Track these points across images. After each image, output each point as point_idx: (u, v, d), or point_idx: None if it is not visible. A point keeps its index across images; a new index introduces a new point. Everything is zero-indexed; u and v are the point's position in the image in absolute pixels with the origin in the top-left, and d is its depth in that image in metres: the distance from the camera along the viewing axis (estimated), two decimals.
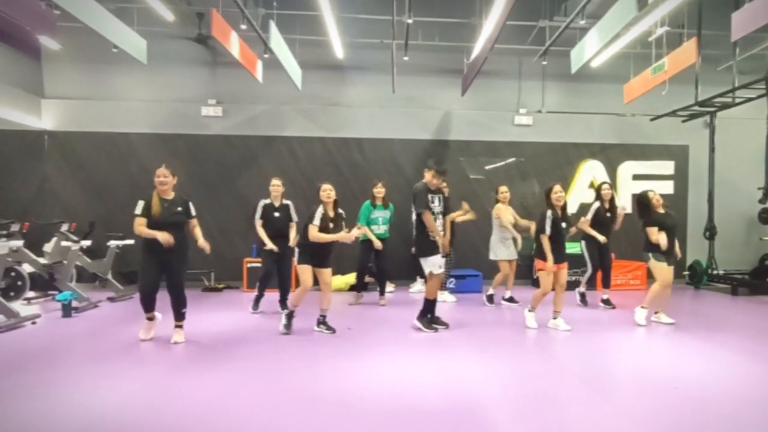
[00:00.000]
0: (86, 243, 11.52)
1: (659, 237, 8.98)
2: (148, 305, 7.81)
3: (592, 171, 14.81)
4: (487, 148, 14.72)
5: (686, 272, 14.56)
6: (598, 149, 14.93)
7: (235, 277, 13.32)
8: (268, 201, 10.07)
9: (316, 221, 8.25)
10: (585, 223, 10.62)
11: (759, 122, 13.39)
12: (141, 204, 7.56)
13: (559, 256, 8.80)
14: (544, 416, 4.96)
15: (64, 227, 11.47)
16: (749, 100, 12.73)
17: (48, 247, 10.84)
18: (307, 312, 9.01)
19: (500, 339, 8.26)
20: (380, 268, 11.44)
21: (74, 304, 9.93)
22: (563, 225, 8.84)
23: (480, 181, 14.43)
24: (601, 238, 10.38)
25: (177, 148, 13.89)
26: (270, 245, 9.76)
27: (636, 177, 14.63)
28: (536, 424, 4.78)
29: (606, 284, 11.02)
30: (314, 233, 8.21)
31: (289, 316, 8.50)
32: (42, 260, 10.67)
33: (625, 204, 11.26)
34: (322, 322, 8.59)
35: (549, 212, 8.77)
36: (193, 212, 7.96)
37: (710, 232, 14.24)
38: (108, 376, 6.14)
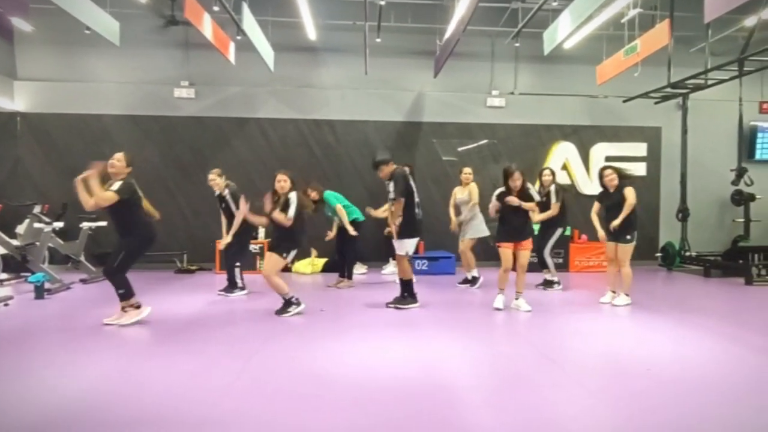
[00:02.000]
0: (59, 225, 11.49)
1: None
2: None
3: (564, 153, 14.86)
4: (459, 130, 14.77)
5: (659, 254, 14.68)
6: (571, 131, 14.97)
7: (208, 258, 13.37)
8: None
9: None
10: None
11: (731, 104, 13.55)
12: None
13: (511, 235, 8.89)
14: (518, 397, 4.97)
15: (37, 209, 11.51)
16: (721, 81, 12.73)
17: (21, 229, 10.85)
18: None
19: (471, 320, 8.34)
20: (350, 249, 11.44)
21: (47, 285, 9.95)
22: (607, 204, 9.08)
23: (453, 163, 14.41)
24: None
25: (150, 129, 13.94)
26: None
27: (609, 158, 14.51)
28: (510, 405, 4.80)
29: (542, 265, 11.19)
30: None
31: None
32: (15, 242, 10.67)
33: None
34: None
35: (498, 189, 9.00)
36: (113, 187, 7.54)
37: (683, 213, 14.34)
38: (79, 357, 6.16)
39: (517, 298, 8.99)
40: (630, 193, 9.20)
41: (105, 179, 7.64)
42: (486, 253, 12.51)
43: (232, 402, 4.82)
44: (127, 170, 7.73)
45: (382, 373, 5.67)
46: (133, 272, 7.82)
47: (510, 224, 8.87)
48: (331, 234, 11.26)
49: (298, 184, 8.68)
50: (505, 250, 8.91)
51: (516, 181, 8.77)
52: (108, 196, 7.39)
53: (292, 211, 8.29)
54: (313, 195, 10.72)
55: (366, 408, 4.71)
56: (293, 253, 8.54)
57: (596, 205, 9.64)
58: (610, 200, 9.37)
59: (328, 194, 11.16)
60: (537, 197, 9.03)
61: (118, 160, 7.65)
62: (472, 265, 11.28)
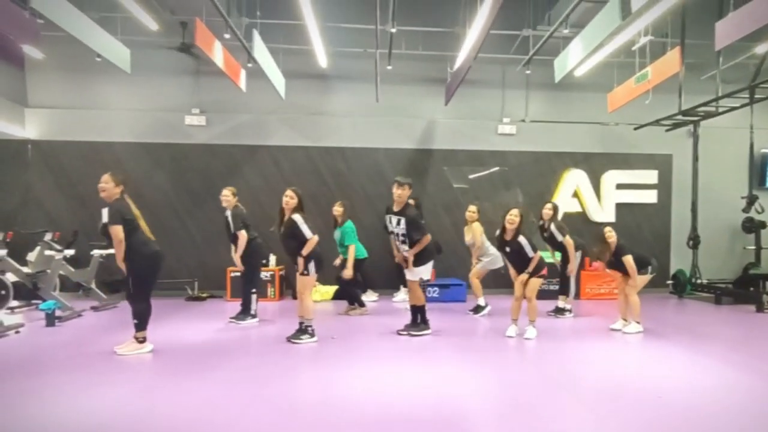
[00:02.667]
0: (70, 252, 11.48)
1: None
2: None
3: (575, 180, 14.77)
4: (470, 157, 14.73)
5: (670, 281, 14.59)
6: (582, 158, 14.92)
7: (219, 286, 13.30)
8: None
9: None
10: None
11: (743, 131, 13.50)
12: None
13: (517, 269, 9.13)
14: (528, 425, 5.00)
15: (48, 236, 11.46)
16: (733, 109, 12.76)
17: (31, 257, 10.81)
18: (289, 319, 9.01)
19: (482, 347, 8.36)
20: (343, 281, 11.41)
21: (58, 313, 9.90)
22: (507, 249, 9.15)
23: (464, 190, 14.42)
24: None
25: (161, 157, 13.92)
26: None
27: (620, 186, 14.65)
28: None
29: (561, 291, 11.25)
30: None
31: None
32: (26, 269, 10.65)
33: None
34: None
35: (497, 232, 9.36)
36: (103, 219, 7.35)
37: (694, 241, 14.27)
38: (91, 385, 6.14)
39: (528, 327, 9.01)
40: (628, 261, 9.41)
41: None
42: (497, 281, 12.42)
43: (246, 429, 4.82)
44: (118, 190, 7.52)
45: (393, 400, 5.70)
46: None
47: (513, 263, 9.13)
48: (339, 261, 11.24)
49: (306, 203, 8.66)
50: (517, 281, 9.07)
51: (513, 216, 8.95)
52: (114, 231, 7.28)
53: (308, 231, 8.35)
54: (340, 210, 11.11)
55: None
56: (312, 265, 8.46)
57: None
58: (613, 263, 9.63)
59: (350, 226, 11.19)
60: (531, 253, 9.01)
61: (106, 182, 7.47)
62: (478, 293, 11.25)
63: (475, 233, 11.10)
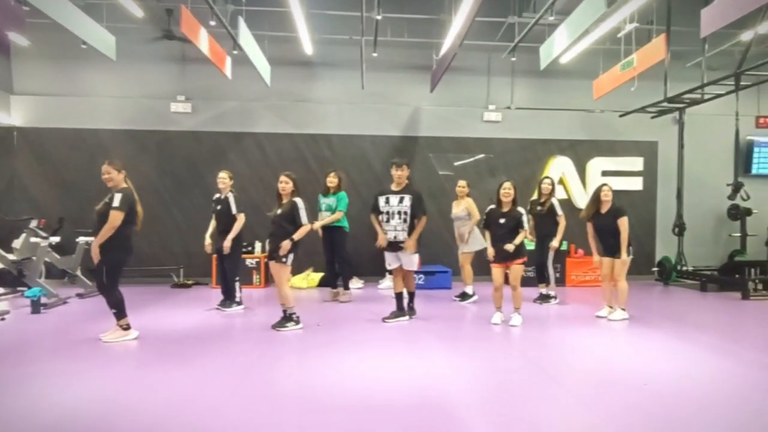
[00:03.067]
0: (55, 239, 11.47)
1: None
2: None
3: (561, 167, 14.82)
4: (456, 144, 14.78)
5: (655, 268, 14.67)
6: (567, 145, 14.97)
7: (205, 273, 13.29)
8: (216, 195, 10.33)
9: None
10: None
11: (728, 118, 13.51)
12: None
13: (501, 256, 8.95)
14: (512, 411, 5.05)
15: (33, 223, 11.50)
16: (718, 96, 12.83)
17: (17, 243, 10.87)
18: (275, 306, 9.05)
19: (468, 334, 8.48)
20: (340, 260, 11.46)
21: (43, 300, 9.94)
22: (501, 221, 8.95)
23: (449, 177, 14.39)
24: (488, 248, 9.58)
25: (146, 144, 13.94)
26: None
27: (605, 173, 14.63)
28: (504, 419, 4.87)
29: (540, 279, 11.21)
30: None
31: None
32: (11, 256, 10.70)
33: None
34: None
35: (489, 207, 9.25)
36: (114, 203, 7.36)
37: (679, 228, 14.27)
38: (76, 372, 6.19)
39: (513, 314, 9.04)
40: (624, 223, 9.30)
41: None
42: (482, 268, 12.44)
43: (229, 416, 4.89)
44: (122, 175, 7.64)
45: (379, 387, 5.73)
46: (129, 286, 7.87)
47: (495, 245, 8.98)
48: (316, 225, 10.95)
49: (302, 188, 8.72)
50: (496, 269, 9.07)
51: (507, 189, 8.98)
52: (114, 216, 7.32)
53: (304, 217, 8.42)
54: (335, 181, 11.17)
55: (362, 423, 4.77)
56: (291, 257, 8.45)
57: (590, 227, 9.73)
58: (604, 222, 9.49)
59: (345, 195, 11.33)
60: (526, 225, 9.05)
61: (108, 172, 7.52)
62: (468, 280, 11.32)
63: (471, 206, 11.18)
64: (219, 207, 10.08)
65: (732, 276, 13.04)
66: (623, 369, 6.45)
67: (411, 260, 9.17)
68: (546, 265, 11.03)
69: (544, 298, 11.01)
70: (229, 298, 10.17)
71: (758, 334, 8.70)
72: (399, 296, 9.39)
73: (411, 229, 9.03)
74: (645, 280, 14.28)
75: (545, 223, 10.90)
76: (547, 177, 11.37)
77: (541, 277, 11.11)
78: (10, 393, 5.41)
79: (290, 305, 8.54)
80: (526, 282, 10.34)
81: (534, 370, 6.46)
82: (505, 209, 8.97)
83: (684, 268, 14.08)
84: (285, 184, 8.56)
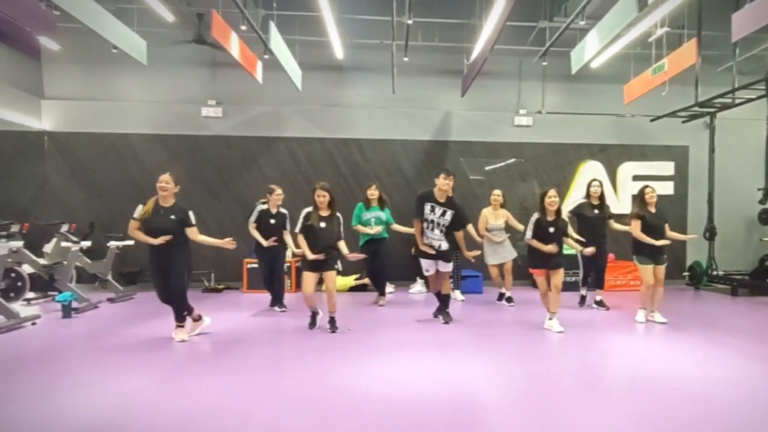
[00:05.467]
0: (86, 244, 11.48)
1: (639, 233, 9.31)
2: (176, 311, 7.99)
3: (592, 172, 14.66)
4: (487, 149, 14.74)
5: (686, 273, 14.55)
6: (598, 150, 14.93)
7: (235, 277, 13.27)
8: (265, 207, 10.43)
9: (299, 222, 8.62)
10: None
11: (759, 123, 13.42)
12: (139, 208, 7.70)
13: (544, 261, 8.84)
14: (543, 417, 4.95)
15: (64, 228, 11.49)
16: (749, 100, 12.75)
17: (48, 248, 10.82)
18: (304, 311, 9.06)
19: (501, 339, 8.26)
20: (378, 268, 11.47)
21: (74, 305, 9.88)
22: (551, 230, 8.79)
23: (480, 182, 14.42)
24: (578, 248, 9.67)
25: (177, 148, 13.94)
26: (264, 241, 10.20)
27: (636, 178, 14.58)
28: (535, 425, 4.77)
29: (599, 285, 10.92)
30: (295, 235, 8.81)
31: (312, 317, 8.85)
32: (42, 261, 10.65)
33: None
34: (329, 321, 8.65)
35: (534, 216, 8.95)
36: (192, 221, 7.88)
37: (710, 232, 14.19)
38: (107, 377, 6.12)
39: (550, 318, 8.91)
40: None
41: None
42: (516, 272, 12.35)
43: (263, 418, 4.86)
44: (177, 188, 7.96)
45: (411, 391, 5.67)
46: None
47: (544, 254, 8.81)
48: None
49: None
50: (541, 276, 8.94)
51: (551, 198, 8.78)
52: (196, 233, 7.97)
53: (342, 231, 8.79)
54: (376, 194, 11.15)
55: (395, 426, 4.71)
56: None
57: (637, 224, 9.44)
58: (655, 220, 9.36)
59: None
60: (573, 234, 9.19)
61: (167, 182, 7.79)
62: (500, 283, 11.40)
63: (511, 218, 11.21)
64: (273, 221, 10.34)
65: (763, 280, 12.95)
66: (654, 373, 6.37)
67: (448, 264, 9.21)
68: (605, 269, 10.93)
69: (601, 304, 10.81)
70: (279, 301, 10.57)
71: None
72: (438, 294, 9.50)
73: (448, 238, 9.08)
74: (676, 285, 14.16)
75: (601, 227, 10.59)
76: (594, 180, 11.05)
77: (600, 282, 10.92)
78: (40, 397, 5.34)
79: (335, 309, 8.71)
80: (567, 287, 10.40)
81: (564, 374, 6.43)
82: (552, 218, 8.84)
83: (715, 273, 13.96)
84: (323, 198, 8.57)
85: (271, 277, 10.60)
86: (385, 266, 11.53)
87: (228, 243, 7.97)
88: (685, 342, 8.00)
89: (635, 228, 9.30)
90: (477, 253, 9.99)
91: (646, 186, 9.60)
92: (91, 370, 6.43)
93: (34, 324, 8.96)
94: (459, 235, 9.17)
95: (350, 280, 13.10)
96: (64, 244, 10.94)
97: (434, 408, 5.11)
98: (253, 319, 9.74)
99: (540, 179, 14.04)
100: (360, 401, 5.30)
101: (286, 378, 6.12)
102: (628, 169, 14.93)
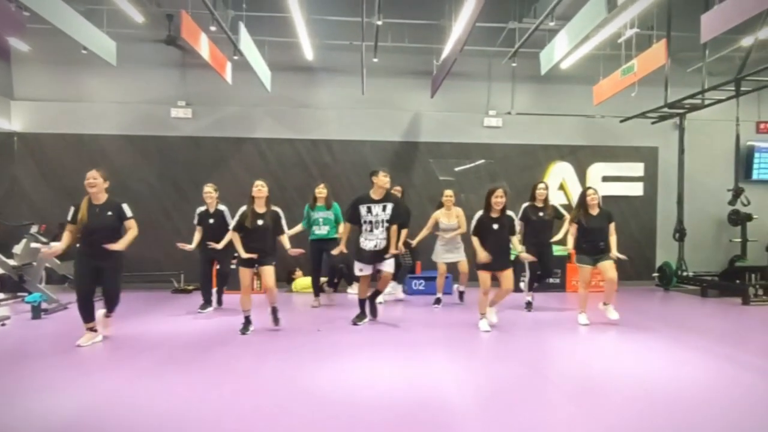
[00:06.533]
0: (55, 245, 11.39)
1: (571, 238, 9.61)
2: (86, 312, 7.78)
3: (561, 173, 14.86)
4: (456, 150, 14.80)
5: (656, 273, 14.65)
6: (568, 151, 14.99)
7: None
8: (203, 208, 10.67)
9: (234, 221, 8.76)
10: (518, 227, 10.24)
11: (728, 124, 13.54)
12: (71, 210, 7.71)
13: (493, 261, 8.80)
14: (512, 417, 5.02)
15: (34, 229, 11.50)
16: (719, 101, 12.81)
17: (17, 249, 10.82)
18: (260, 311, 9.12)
19: (466, 340, 8.31)
20: (330, 266, 11.60)
21: (43, 305, 9.91)
22: (495, 226, 8.82)
23: (450, 183, 14.34)
24: (519, 249, 9.59)
25: (147, 149, 13.97)
26: (190, 247, 10.40)
27: (606, 179, 14.71)
28: (503, 425, 4.85)
29: (530, 286, 11.07)
30: (230, 233, 8.91)
31: (246, 322, 8.72)
32: (11, 262, 10.67)
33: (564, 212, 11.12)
34: (271, 311, 8.82)
35: (477, 213, 9.02)
36: (128, 214, 7.79)
37: (680, 233, 14.29)
38: (76, 378, 6.18)
39: (480, 319, 9.06)
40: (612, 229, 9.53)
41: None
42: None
43: (231, 421, 4.90)
44: (107, 184, 7.84)
45: (378, 392, 5.73)
46: (129, 292, 7.94)
47: (495, 249, 8.82)
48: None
49: (292, 195, 8.85)
50: (485, 275, 8.93)
51: (498, 198, 8.80)
52: (134, 225, 7.84)
53: (285, 225, 8.95)
54: (324, 193, 11.22)
55: (362, 427, 4.78)
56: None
57: (574, 227, 9.61)
58: (595, 222, 9.43)
59: (338, 206, 11.42)
60: (517, 229, 9.31)
61: (95, 178, 7.66)
62: (442, 284, 11.50)
63: (461, 220, 11.11)
64: (212, 221, 10.45)
65: (732, 281, 13.03)
66: (623, 374, 6.45)
67: (391, 263, 9.23)
68: (551, 271, 11.04)
69: (528, 305, 10.91)
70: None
71: (759, 339, 8.65)
72: (363, 302, 9.52)
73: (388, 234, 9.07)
74: (646, 286, 14.29)
75: (546, 230, 10.67)
76: (541, 182, 11.13)
77: (543, 284, 11.06)
78: (9, 399, 5.39)
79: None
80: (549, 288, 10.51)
81: (531, 375, 6.45)
82: (496, 215, 8.86)
83: (685, 274, 14.04)
84: (262, 188, 8.73)
85: (209, 276, 10.88)
86: (335, 264, 11.56)
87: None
88: (654, 343, 8.08)
89: (571, 231, 9.59)
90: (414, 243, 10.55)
91: (588, 188, 9.80)
92: (61, 371, 6.46)
93: (3, 325, 9.01)
94: (393, 228, 9.02)
95: (309, 281, 13.03)
96: (33, 245, 10.95)
97: (401, 410, 5.20)
98: (221, 320, 9.77)
99: (510, 180, 14.02)
100: (327, 402, 5.41)
101: (256, 379, 6.21)
102: (597, 170, 15.00)
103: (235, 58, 12.21)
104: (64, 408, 5.16)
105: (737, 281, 12.87)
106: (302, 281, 13.08)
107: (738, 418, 5.04)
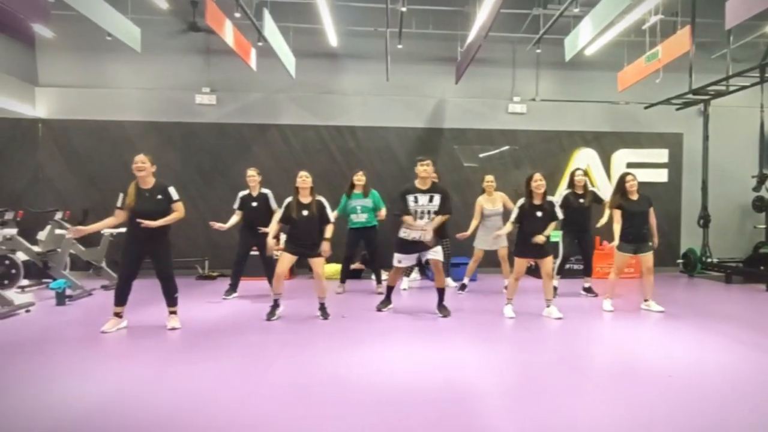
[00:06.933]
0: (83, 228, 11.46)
1: (616, 225, 9.33)
2: (121, 296, 7.84)
3: (586, 159, 14.79)
4: (480, 136, 14.75)
5: (680, 260, 14.60)
6: (592, 137, 14.94)
7: (229, 264, 13.02)
8: (246, 192, 10.50)
9: (280, 212, 8.72)
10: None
11: (753, 110, 13.53)
12: (121, 196, 7.69)
13: (533, 251, 8.81)
14: (538, 404, 4.97)
15: (58, 215, 11.54)
16: (743, 88, 12.75)
17: (42, 236, 10.84)
18: (298, 299, 9.39)
19: (493, 327, 8.29)
20: (372, 255, 11.54)
21: (68, 292, 9.94)
22: (538, 214, 8.78)
23: (474, 169, 14.42)
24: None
25: (171, 136, 13.96)
26: (223, 227, 10.20)
27: (630, 165, 14.54)
28: (528, 410, 4.81)
29: (586, 272, 11.08)
30: (274, 221, 8.96)
31: (273, 306, 8.76)
32: (36, 248, 10.69)
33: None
34: (320, 308, 8.73)
35: (520, 201, 8.97)
36: (175, 196, 7.84)
37: (704, 220, 14.23)
38: (101, 364, 6.18)
39: (548, 306, 9.00)
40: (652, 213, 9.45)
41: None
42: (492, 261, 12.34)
43: (257, 406, 4.89)
44: (154, 169, 7.89)
45: (404, 378, 5.70)
46: (154, 279, 7.87)
47: (530, 240, 8.75)
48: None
49: (316, 182, 8.85)
50: (522, 262, 8.94)
51: (537, 181, 8.78)
52: (181, 208, 7.95)
53: (331, 214, 8.82)
54: (363, 180, 11.34)
55: (387, 413, 4.76)
56: None
57: (617, 213, 9.42)
58: (637, 207, 9.32)
59: (377, 193, 11.55)
60: (560, 215, 9.13)
61: (143, 162, 7.73)
62: (473, 270, 11.64)
63: (506, 200, 11.18)
64: (255, 204, 10.36)
65: (757, 268, 12.99)
66: (648, 360, 6.43)
67: (437, 252, 8.99)
68: (591, 257, 11.05)
69: (590, 290, 11.00)
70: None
71: None
72: (391, 289, 9.55)
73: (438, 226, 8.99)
74: (670, 272, 14.25)
75: (586, 216, 10.69)
76: (578, 168, 11.19)
77: (588, 269, 11.04)
78: (33, 385, 5.37)
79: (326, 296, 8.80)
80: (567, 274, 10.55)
81: (557, 361, 6.43)
82: (539, 201, 8.83)
83: (709, 260, 14.00)
84: (306, 178, 8.66)
85: (244, 262, 10.74)
86: (377, 253, 11.54)
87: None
88: (679, 329, 8.05)
89: (615, 218, 9.33)
90: (467, 234, 10.46)
91: (627, 174, 9.58)
92: (85, 357, 6.46)
93: (28, 311, 9.03)
94: (438, 218, 8.90)
95: (336, 268, 13.06)
96: (58, 231, 10.98)
97: (427, 396, 5.14)
98: (246, 306, 9.80)
99: (534, 166, 13.90)
100: (354, 389, 5.34)
101: (280, 365, 6.15)
102: (622, 157, 14.95)
103: (260, 44, 12.24)
104: (88, 394, 5.14)
105: (762, 267, 12.83)
106: (329, 268, 13.05)
107: (762, 403, 5.01)
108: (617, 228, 9.27)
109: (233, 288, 10.71)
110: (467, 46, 12.31)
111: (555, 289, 10.72)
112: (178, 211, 7.83)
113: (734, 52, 12.95)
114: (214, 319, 8.63)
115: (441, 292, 9.20)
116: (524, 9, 13.69)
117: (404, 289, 11.90)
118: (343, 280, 11.58)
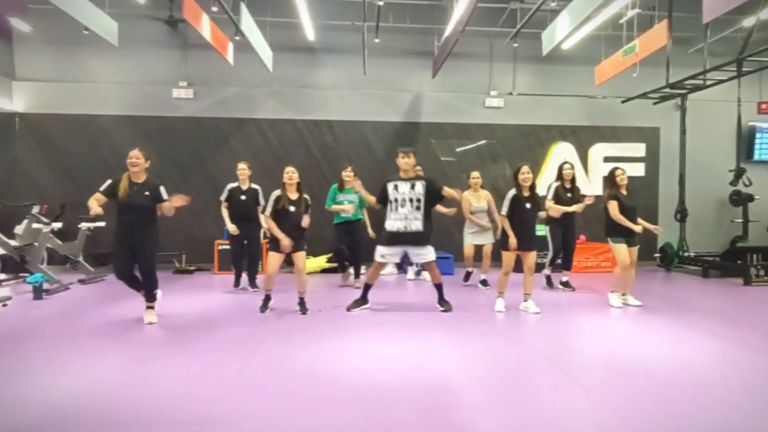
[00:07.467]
0: (57, 225, 11.45)
1: (618, 215, 9.12)
2: (136, 286, 7.95)
3: (563, 153, 14.76)
4: (458, 131, 14.79)
5: (657, 254, 14.68)
6: (569, 131, 15.00)
7: (207, 259, 13.33)
8: (235, 184, 10.46)
9: (269, 206, 8.54)
10: (550, 206, 9.95)
11: (730, 104, 13.55)
12: (108, 182, 7.64)
13: (523, 241, 8.75)
14: (515, 398, 4.96)
15: (35, 209, 11.50)
16: (720, 82, 12.84)
17: (19, 230, 10.83)
18: (280, 293, 9.26)
19: (472, 321, 8.23)
20: (354, 250, 11.45)
21: (45, 286, 9.91)
22: (527, 206, 8.73)
23: (451, 163, 14.50)
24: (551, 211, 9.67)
25: (148, 130, 13.91)
26: (230, 227, 10.25)
27: (607, 159, 14.68)
28: (507, 405, 4.79)
29: (566, 266, 11.05)
30: (264, 218, 8.74)
31: (265, 300, 8.76)
32: (13, 242, 10.67)
33: (592, 194, 11.01)
34: (299, 303, 8.70)
35: (510, 192, 8.81)
36: (164, 196, 7.83)
37: (681, 214, 14.29)
38: (78, 358, 6.13)
39: (525, 300, 8.94)
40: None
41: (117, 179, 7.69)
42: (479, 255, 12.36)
43: (233, 402, 4.83)
44: (147, 164, 7.92)
45: (383, 373, 5.67)
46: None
47: (526, 227, 8.79)
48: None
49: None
50: (510, 255, 8.86)
51: (525, 174, 8.69)
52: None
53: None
54: (351, 175, 10.92)
55: (366, 408, 4.71)
56: None
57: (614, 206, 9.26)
58: (630, 201, 9.31)
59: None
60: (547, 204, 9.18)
61: (138, 157, 7.74)
62: (471, 264, 11.43)
63: (490, 200, 11.13)
64: (244, 197, 10.37)
65: (734, 262, 13.02)
66: (626, 354, 6.40)
67: (427, 251, 8.81)
68: (573, 250, 11.07)
69: (566, 285, 10.98)
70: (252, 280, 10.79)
71: (760, 319, 8.58)
72: (368, 287, 9.16)
73: (426, 219, 8.67)
74: (647, 267, 14.27)
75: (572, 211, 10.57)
76: (566, 162, 11.09)
77: (568, 263, 11.03)
78: (11, 379, 5.36)
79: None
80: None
81: (536, 356, 6.41)
82: (527, 194, 8.77)
83: (686, 254, 14.06)
84: (293, 174, 8.69)
85: (243, 256, 10.69)
86: (361, 248, 11.46)
87: (182, 198, 7.88)
88: (656, 324, 8.04)
89: (613, 210, 9.14)
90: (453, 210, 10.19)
91: (617, 168, 9.50)
92: (63, 351, 6.43)
93: (5, 305, 9.00)
94: (447, 190, 8.64)
95: (322, 261, 13.16)
96: (35, 225, 10.97)
97: (408, 390, 5.12)
98: (223, 300, 9.79)
99: (511, 161, 14.00)
100: (332, 383, 5.30)
101: (257, 360, 6.11)
102: (599, 151, 15.04)
103: (237, 38, 12.22)
104: (64, 389, 5.10)
105: (739, 262, 12.87)
106: (311, 262, 13.04)
107: (739, 397, 5.00)
108: (623, 219, 9.09)
109: (238, 283, 10.81)
110: (444, 40, 12.31)
111: (549, 278, 11.03)
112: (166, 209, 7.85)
113: (711, 47, 12.97)
114: (193, 313, 8.60)
115: (439, 287, 9.08)
116: (501, 3, 13.72)
117: (410, 280, 12.29)
118: (343, 270, 11.64)
